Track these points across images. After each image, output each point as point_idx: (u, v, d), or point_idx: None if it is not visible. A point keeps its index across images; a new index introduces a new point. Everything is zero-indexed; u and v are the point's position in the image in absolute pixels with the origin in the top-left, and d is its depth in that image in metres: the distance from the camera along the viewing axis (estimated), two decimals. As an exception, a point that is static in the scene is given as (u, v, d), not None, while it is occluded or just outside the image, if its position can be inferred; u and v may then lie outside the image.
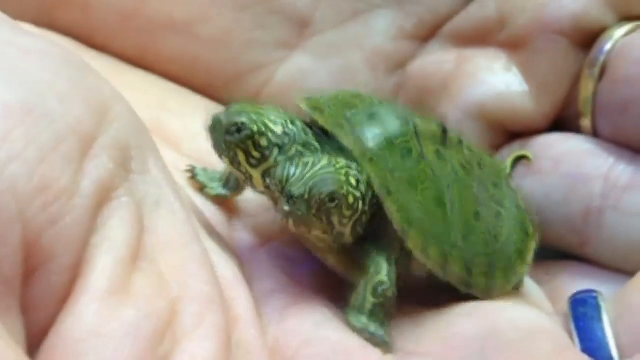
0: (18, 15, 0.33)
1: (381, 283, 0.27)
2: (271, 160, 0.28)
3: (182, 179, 0.31)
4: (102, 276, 0.22)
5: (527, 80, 0.34)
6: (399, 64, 0.36)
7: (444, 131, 0.30)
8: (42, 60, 0.24)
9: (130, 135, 0.25)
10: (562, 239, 0.32)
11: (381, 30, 0.35)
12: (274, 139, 0.28)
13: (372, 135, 0.29)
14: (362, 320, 0.27)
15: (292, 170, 0.27)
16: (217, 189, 0.31)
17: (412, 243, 0.28)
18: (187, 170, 0.31)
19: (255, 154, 0.28)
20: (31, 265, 0.22)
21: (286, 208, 0.27)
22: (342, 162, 0.28)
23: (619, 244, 0.31)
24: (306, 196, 0.27)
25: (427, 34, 0.36)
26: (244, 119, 0.28)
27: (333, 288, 0.28)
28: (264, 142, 0.28)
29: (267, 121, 0.28)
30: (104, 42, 0.35)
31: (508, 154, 0.34)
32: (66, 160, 0.22)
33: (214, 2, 0.34)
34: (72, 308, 0.22)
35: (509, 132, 0.35)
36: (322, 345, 0.26)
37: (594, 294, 0.29)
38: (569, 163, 0.33)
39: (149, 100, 0.33)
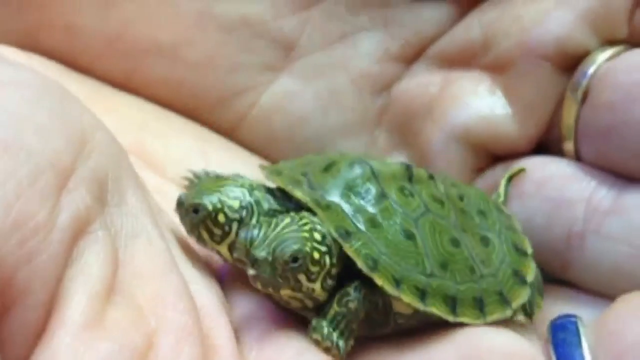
0: (2, 37, 0.33)
1: (347, 293, 0.28)
2: (232, 234, 0.29)
3: (165, 203, 0.31)
4: (76, 311, 0.22)
5: (511, 103, 0.34)
6: (385, 86, 0.36)
7: (408, 168, 0.31)
8: (20, 92, 0.25)
9: (109, 166, 0.25)
10: (545, 263, 0.33)
11: (367, 52, 0.36)
12: (231, 215, 0.29)
13: (327, 184, 0.29)
14: (323, 325, 0.28)
15: (255, 233, 0.28)
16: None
17: (381, 280, 0.28)
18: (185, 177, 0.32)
19: (217, 230, 0.29)
20: (6, 301, 0.22)
21: (251, 272, 0.27)
22: (306, 218, 0.28)
23: (601, 269, 0.32)
24: (270, 258, 0.27)
25: (413, 56, 0.36)
26: (198, 200, 0.29)
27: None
28: (221, 218, 0.29)
29: (224, 198, 0.29)
30: (88, 65, 0.36)
31: (491, 178, 0.35)
32: (43, 195, 0.23)
33: (199, 26, 0.35)
34: (47, 343, 0.22)
35: (492, 155, 0.35)
36: None
37: (574, 319, 0.29)
38: (552, 187, 0.33)
39: (133, 123, 0.34)
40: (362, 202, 0.29)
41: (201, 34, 0.35)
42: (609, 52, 0.33)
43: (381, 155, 0.36)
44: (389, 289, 0.28)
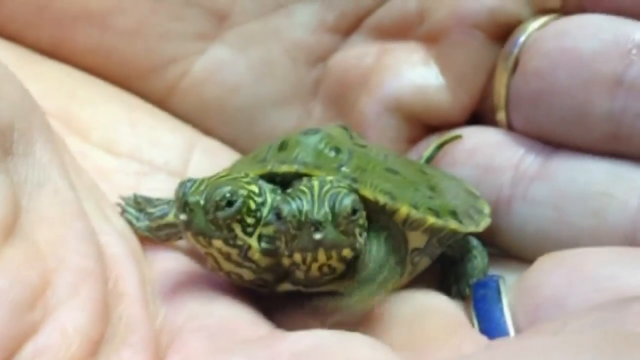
0: None
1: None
2: (262, 220, 0.29)
3: (88, 166, 0.31)
4: None
5: (444, 73, 0.35)
6: (320, 58, 0.37)
7: (346, 128, 0.32)
8: None
9: (15, 117, 0.26)
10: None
11: (302, 22, 0.37)
12: (258, 199, 0.29)
13: (296, 155, 0.30)
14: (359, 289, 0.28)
15: (298, 203, 0.28)
16: (144, 229, 0.31)
17: (406, 208, 0.29)
18: (118, 204, 0.31)
19: (250, 220, 0.29)
20: None
21: (318, 236, 0.27)
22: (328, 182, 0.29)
23: (527, 233, 0.33)
24: (330, 217, 0.27)
25: (349, 28, 0.37)
26: (229, 189, 0.28)
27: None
28: (252, 204, 0.29)
29: (243, 184, 0.29)
30: (17, 32, 0.36)
31: (425, 148, 0.36)
32: None
33: None
34: None
35: (426, 125, 0.36)
36: (209, 320, 0.27)
37: (495, 278, 0.30)
38: (482, 154, 0.34)
39: (60, 90, 0.34)
40: (338, 156, 0.30)
41: (131, 1, 0.35)
42: (540, 21, 0.34)
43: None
44: (414, 213, 0.29)
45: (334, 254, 0.28)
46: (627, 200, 0.31)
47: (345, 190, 0.28)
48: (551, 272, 0.28)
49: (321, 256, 0.28)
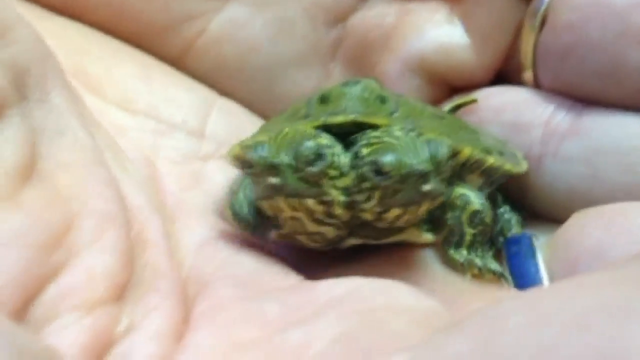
0: None
1: (476, 212, 0.28)
2: (341, 172, 0.27)
3: (106, 124, 0.31)
4: None
5: (469, 32, 0.35)
6: (340, 18, 0.36)
7: (376, 80, 0.32)
8: None
9: (32, 61, 0.25)
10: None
11: None
12: (332, 150, 0.27)
13: (342, 106, 0.29)
14: (464, 254, 0.27)
15: (397, 155, 0.26)
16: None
17: (467, 150, 0.29)
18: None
19: (333, 172, 0.27)
20: None
21: (427, 187, 0.26)
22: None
23: (558, 192, 0.32)
24: (431, 165, 0.26)
25: None
26: (315, 143, 0.27)
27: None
28: (331, 156, 0.27)
29: (316, 137, 0.27)
30: None
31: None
32: None
33: None
34: None
35: (450, 85, 0.35)
36: (237, 269, 0.26)
37: (528, 235, 0.29)
38: (509, 112, 0.33)
39: (73, 47, 0.34)
40: (385, 104, 0.29)
41: None
42: (568, -24, 0.34)
43: None
44: (476, 153, 0.29)
45: (434, 203, 0.27)
46: None
47: (434, 136, 0.27)
48: (589, 225, 0.27)
49: (424, 207, 0.27)
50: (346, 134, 0.28)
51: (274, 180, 0.26)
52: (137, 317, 0.23)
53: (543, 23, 0.34)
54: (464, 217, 0.28)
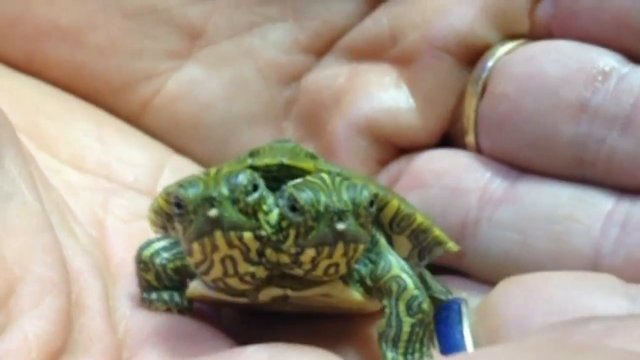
0: None
1: (414, 298, 0.27)
2: (270, 207, 0.27)
3: (58, 183, 0.32)
4: None
5: (414, 96, 0.36)
6: (293, 77, 0.38)
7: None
8: None
9: None
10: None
11: (276, 42, 0.37)
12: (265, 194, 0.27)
13: (276, 155, 0.29)
14: (399, 355, 0.26)
15: (315, 192, 0.26)
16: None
17: (395, 202, 0.29)
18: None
19: (265, 207, 0.27)
20: None
21: (341, 227, 0.26)
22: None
23: (492, 256, 0.34)
24: (351, 207, 0.26)
25: (323, 48, 0.38)
26: (248, 173, 0.27)
27: None
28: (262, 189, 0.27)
29: (248, 169, 0.27)
30: None
31: (396, 170, 0.37)
32: None
33: (102, 10, 0.36)
34: None
35: (396, 147, 0.37)
36: (170, 334, 0.27)
37: (458, 301, 0.31)
38: (449, 177, 0.35)
39: (29, 104, 0.35)
40: (316, 161, 0.29)
41: (105, 18, 0.36)
42: (509, 45, 0.35)
43: None
44: (404, 207, 0.29)
45: (351, 249, 0.26)
46: (591, 225, 0.32)
47: (359, 182, 0.27)
48: (511, 294, 0.29)
49: (338, 251, 0.26)
50: (275, 182, 0.28)
51: (212, 212, 0.26)
52: None
53: (484, 90, 0.35)
54: (401, 305, 0.27)
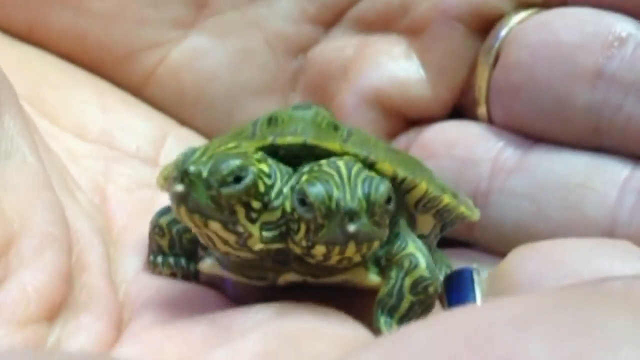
0: None
1: (422, 279, 0.26)
2: (269, 206, 0.25)
3: (59, 150, 0.32)
4: None
5: (425, 66, 0.36)
6: (301, 49, 0.37)
7: (327, 109, 0.31)
8: None
9: None
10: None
11: (283, 13, 0.37)
12: (267, 181, 0.25)
13: (297, 128, 0.27)
14: (393, 327, 0.25)
15: (326, 187, 0.24)
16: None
17: (423, 185, 0.27)
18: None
19: (256, 204, 0.25)
20: None
21: (352, 228, 0.24)
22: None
23: (504, 227, 0.33)
24: (365, 206, 0.24)
25: (331, 19, 0.37)
26: (239, 163, 0.25)
27: None
28: (261, 186, 0.25)
29: (254, 161, 0.25)
30: None
31: (405, 141, 0.36)
32: None
33: None
34: None
35: (405, 119, 0.36)
36: (171, 297, 0.27)
37: (470, 269, 0.30)
38: (460, 147, 0.34)
39: (31, 73, 0.34)
40: (338, 131, 0.28)
41: None
42: (522, 14, 0.35)
43: None
44: (432, 190, 0.27)
45: (364, 247, 0.25)
46: (606, 192, 0.31)
47: (377, 175, 0.25)
48: (525, 259, 0.28)
49: (350, 249, 0.25)
50: (295, 159, 0.26)
51: (178, 187, 0.24)
52: (66, 335, 0.24)
53: (497, 60, 0.35)
54: (407, 281, 0.26)
